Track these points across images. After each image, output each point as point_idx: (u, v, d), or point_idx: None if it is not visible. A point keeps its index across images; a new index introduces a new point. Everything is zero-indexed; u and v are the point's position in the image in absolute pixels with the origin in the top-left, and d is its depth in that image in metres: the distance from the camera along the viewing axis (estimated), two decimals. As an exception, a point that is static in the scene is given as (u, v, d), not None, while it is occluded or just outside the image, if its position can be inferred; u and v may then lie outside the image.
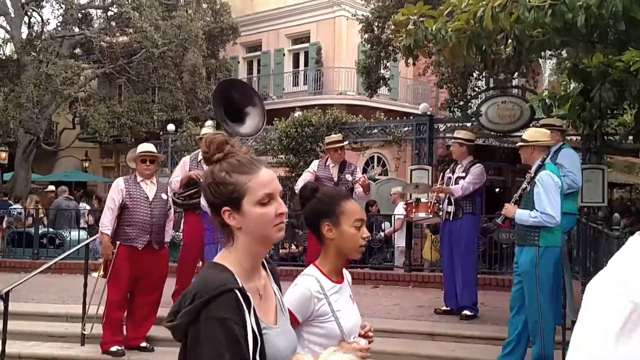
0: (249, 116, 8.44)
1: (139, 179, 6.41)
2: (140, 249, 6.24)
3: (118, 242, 6.26)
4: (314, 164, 7.60)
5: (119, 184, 6.41)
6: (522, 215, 5.29)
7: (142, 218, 6.25)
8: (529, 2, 5.07)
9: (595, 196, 9.29)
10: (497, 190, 22.72)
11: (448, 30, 5.75)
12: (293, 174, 13.57)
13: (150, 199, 6.34)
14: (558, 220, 5.15)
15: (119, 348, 6.19)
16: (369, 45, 13.17)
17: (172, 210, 6.61)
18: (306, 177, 7.46)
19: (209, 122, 7.99)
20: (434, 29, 5.86)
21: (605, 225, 6.03)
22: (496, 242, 11.20)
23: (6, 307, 5.55)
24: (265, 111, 8.59)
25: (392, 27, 6.39)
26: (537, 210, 5.17)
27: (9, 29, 21.78)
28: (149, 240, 6.28)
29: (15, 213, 13.41)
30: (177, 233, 11.90)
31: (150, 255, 6.28)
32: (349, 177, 7.30)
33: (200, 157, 7.61)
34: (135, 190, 6.34)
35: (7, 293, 5.50)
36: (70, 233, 11.58)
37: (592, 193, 9.20)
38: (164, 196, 6.46)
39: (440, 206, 7.29)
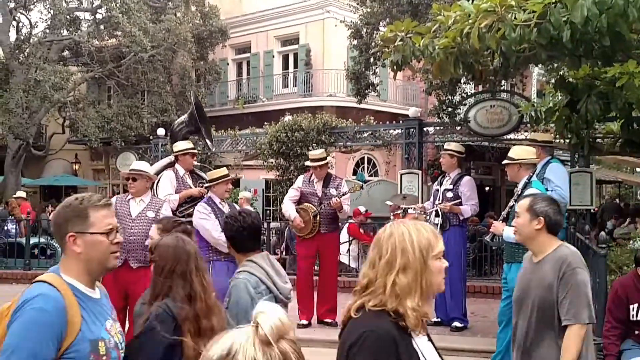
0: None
1: (129, 196, 6.44)
2: (117, 266, 6.15)
3: None
4: (299, 180, 7.62)
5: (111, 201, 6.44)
6: (509, 232, 5.34)
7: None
8: (515, 19, 5.13)
9: (583, 199, 9.40)
10: (486, 188, 22.88)
11: (435, 47, 5.79)
12: (284, 178, 13.62)
13: (133, 217, 6.28)
14: None
15: None
16: (358, 52, 13.20)
17: None
18: (291, 194, 7.51)
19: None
20: (421, 44, 5.91)
21: (592, 237, 6.11)
22: (486, 245, 11.32)
23: None
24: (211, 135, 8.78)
25: (380, 42, 6.41)
26: None
27: (-4, 34, 21.73)
28: (126, 259, 6.15)
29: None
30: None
31: (129, 274, 6.15)
32: (333, 191, 7.32)
33: (182, 171, 7.52)
34: (122, 207, 6.31)
35: None
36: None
37: (580, 196, 9.31)
38: (150, 214, 6.33)
39: (428, 218, 7.35)
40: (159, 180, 7.66)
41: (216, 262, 6.24)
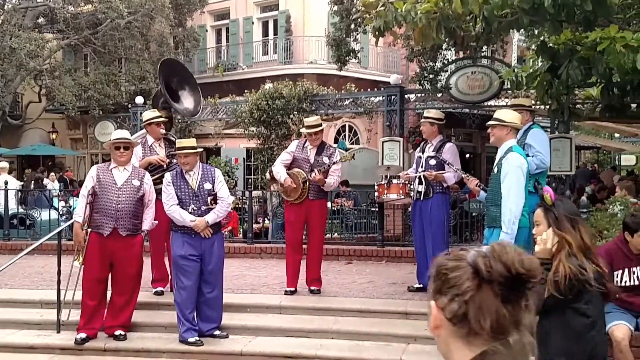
0: (184, 97, 8.35)
1: (112, 165, 6.41)
2: (105, 235, 6.20)
3: (89, 229, 6.26)
4: (293, 145, 7.60)
5: (92, 171, 6.46)
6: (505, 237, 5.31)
7: (107, 204, 6.21)
8: (498, -15, 5.10)
9: (563, 164, 9.49)
10: (467, 155, 22.99)
11: (418, 12, 5.75)
12: (265, 146, 13.56)
13: (119, 185, 6.29)
14: (520, 209, 5.26)
15: (84, 335, 6.19)
16: (339, 18, 13.07)
17: (148, 196, 6.47)
18: (284, 157, 7.48)
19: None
20: (403, 10, 5.85)
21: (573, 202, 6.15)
22: (467, 211, 11.44)
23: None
24: (200, 94, 8.48)
25: (362, 8, 6.34)
26: (504, 224, 5.28)
27: (-31, 0, 21.24)
28: (114, 227, 6.21)
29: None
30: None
31: (117, 243, 6.22)
32: (325, 159, 7.30)
33: (150, 140, 7.45)
34: (105, 177, 6.32)
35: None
36: (41, 214, 11.44)
37: (560, 161, 9.39)
38: (135, 182, 6.36)
39: (411, 186, 7.36)
40: None
41: (173, 233, 6.41)
